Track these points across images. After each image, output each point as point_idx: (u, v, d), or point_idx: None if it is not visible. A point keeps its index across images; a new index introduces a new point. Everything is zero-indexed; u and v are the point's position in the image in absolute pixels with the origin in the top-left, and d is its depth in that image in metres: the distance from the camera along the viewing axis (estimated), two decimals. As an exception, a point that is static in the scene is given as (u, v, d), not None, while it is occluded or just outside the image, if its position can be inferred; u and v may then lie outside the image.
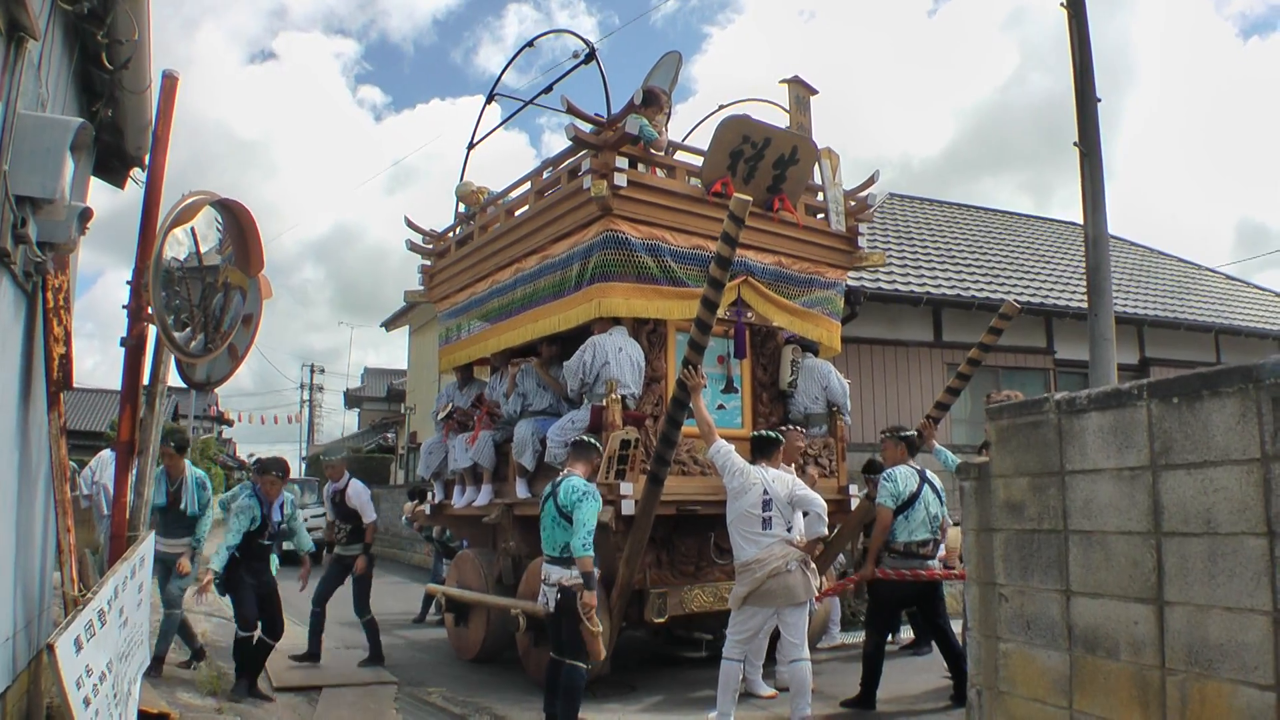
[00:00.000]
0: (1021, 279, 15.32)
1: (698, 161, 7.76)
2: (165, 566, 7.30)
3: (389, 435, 34.53)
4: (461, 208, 9.76)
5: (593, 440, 6.37)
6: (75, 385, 5.21)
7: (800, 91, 8.71)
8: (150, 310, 5.06)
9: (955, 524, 7.26)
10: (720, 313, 6.48)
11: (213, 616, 10.34)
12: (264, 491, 7.21)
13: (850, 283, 10.22)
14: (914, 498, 6.76)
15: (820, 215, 8.62)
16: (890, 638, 8.36)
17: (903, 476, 6.80)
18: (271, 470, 7.39)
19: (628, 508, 6.78)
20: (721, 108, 9.16)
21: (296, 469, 36.02)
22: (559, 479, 5.92)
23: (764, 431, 6.70)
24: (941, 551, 7.17)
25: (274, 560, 7.50)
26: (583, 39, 8.73)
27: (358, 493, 8.58)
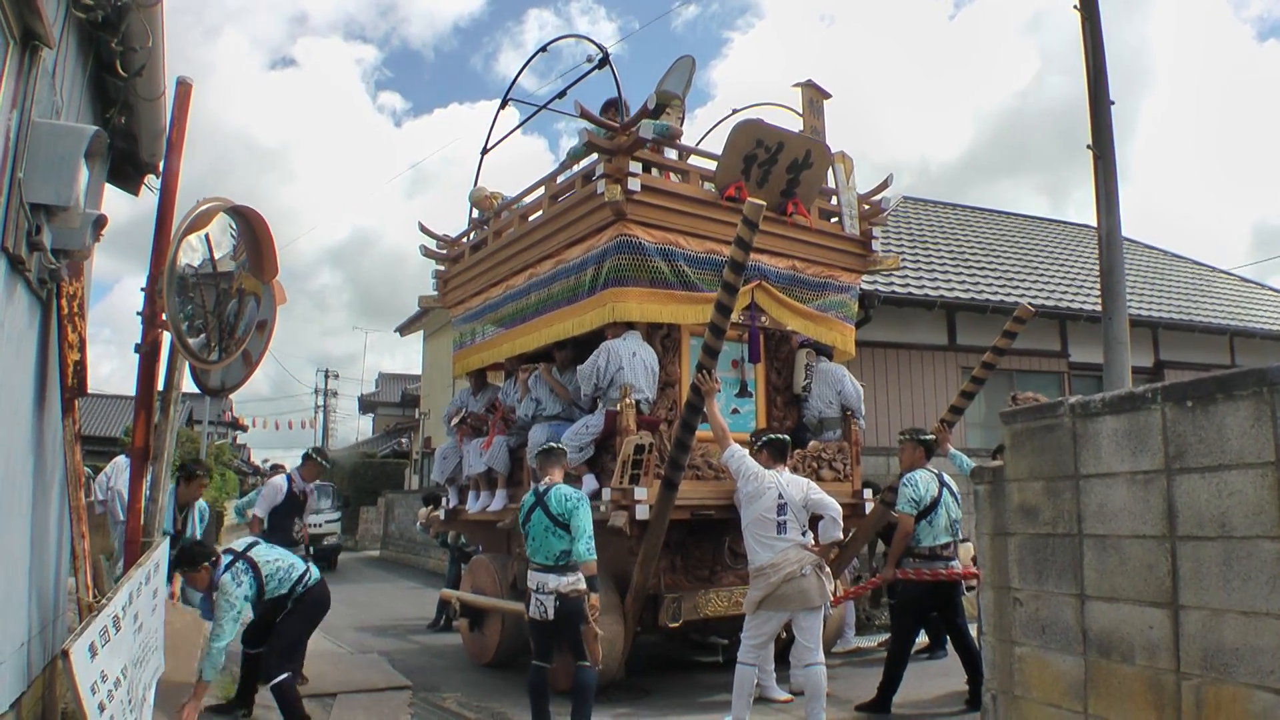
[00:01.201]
0: (1035, 282, 15.24)
1: (711, 166, 7.76)
2: None
3: (403, 440, 34.64)
4: (475, 213, 9.79)
5: (558, 445, 6.34)
6: (90, 391, 5.25)
7: (814, 95, 8.68)
8: (165, 317, 5.09)
9: (964, 540, 7.22)
10: (734, 317, 6.47)
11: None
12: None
13: (864, 286, 10.21)
14: (935, 502, 6.74)
15: (834, 219, 8.61)
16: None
17: (923, 482, 6.78)
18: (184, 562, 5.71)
19: (642, 512, 6.76)
20: (735, 112, 9.14)
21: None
22: (543, 488, 5.81)
23: (776, 434, 6.68)
24: (961, 556, 7.14)
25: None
26: (597, 44, 8.73)
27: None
